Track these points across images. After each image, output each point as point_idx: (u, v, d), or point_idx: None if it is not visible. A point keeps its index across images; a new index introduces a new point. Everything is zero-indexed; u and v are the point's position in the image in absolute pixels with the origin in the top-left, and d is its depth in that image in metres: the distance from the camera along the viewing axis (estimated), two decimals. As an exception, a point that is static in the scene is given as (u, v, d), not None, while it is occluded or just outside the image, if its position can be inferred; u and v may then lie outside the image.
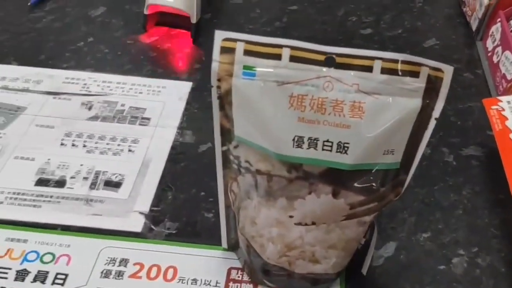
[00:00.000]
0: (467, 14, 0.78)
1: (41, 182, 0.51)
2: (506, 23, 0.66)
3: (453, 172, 0.54)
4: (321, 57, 0.36)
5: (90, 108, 0.59)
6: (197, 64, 0.68)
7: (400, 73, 0.35)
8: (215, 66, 0.36)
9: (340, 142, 0.36)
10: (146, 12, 0.71)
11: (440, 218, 0.50)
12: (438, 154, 0.56)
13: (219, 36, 0.36)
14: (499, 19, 0.68)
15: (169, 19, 0.73)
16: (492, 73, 0.67)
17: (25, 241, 0.46)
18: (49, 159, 0.53)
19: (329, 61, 0.35)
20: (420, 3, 0.83)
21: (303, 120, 0.36)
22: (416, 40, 0.74)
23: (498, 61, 0.65)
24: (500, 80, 0.63)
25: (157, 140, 0.56)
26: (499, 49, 0.66)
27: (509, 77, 0.61)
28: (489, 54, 0.69)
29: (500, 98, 0.53)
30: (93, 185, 0.51)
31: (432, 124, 0.37)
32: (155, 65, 0.67)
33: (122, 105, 0.60)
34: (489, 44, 0.69)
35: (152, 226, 0.48)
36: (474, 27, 0.74)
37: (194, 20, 0.70)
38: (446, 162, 0.55)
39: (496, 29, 0.68)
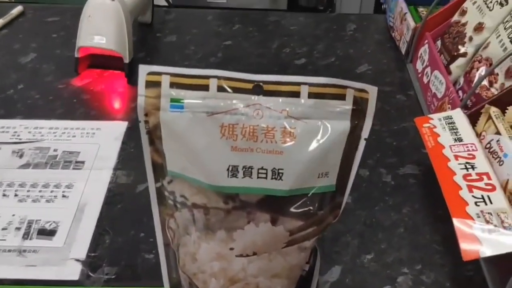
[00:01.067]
0: (396, 38, 0.80)
1: (-30, 236, 0.48)
2: (433, 44, 0.68)
3: (392, 191, 0.55)
4: (249, 86, 0.35)
5: (21, 156, 0.57)
6: (132, 103, 0.67)
7: (326, 96, 0.35)
8: (141, 100, 0.36)
9: (274, 168, 0.35)
10: (77, 55, 0.70)
11: (383, 238, 0.50)
12: (377, 175, 0.57)
13: (144, 70, 0.36)
14: (426, 41, 0.70)
15: (102, 61, 0.72)
16: (424, 93, 0.68)
17: (-47, 300, 0.43)
18: (-22, 212, 0.51)
19: (257, 89, 0.35)
20: (351, 31, 0.85)
21: (236, 149, 0.35)
22: (349, 67, 0.76)
23: (428, 81, 0.67)
24: (431, 99, 0.65)
25: (93, 183, 0.54)
26: (428, 69, 0.68)
27: (439, 96, 0.62)
28: (420, 75, 0.71)
29: (431, 116, 0.54)
30: (26, 235, 0.49)
31: (362, 144, 0.37)
32: (89, 108, 0.66)
33: (55, 150, 0.58)
34: (419, 66, 0.71)
35: (90, 273, 0.46)
36: (403, 50, 0.77)
37: (127, 60, 0.69)
38: (385, 182, 0.56)
39: (424, 51, 0.70)
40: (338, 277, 0.46)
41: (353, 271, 0.47)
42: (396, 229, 0.51)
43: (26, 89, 0.69)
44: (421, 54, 0.72)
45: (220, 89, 0.35)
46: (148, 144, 0.37)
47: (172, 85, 0.36)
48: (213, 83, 0.36)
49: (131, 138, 0.61)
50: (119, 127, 0.62)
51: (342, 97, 0.36)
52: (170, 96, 0.36)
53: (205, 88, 0.35)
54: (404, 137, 0.62)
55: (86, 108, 0.65)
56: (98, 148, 0.59)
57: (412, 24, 0.74)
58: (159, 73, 0.36)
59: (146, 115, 0.36)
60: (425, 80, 0.68)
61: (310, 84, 0.36)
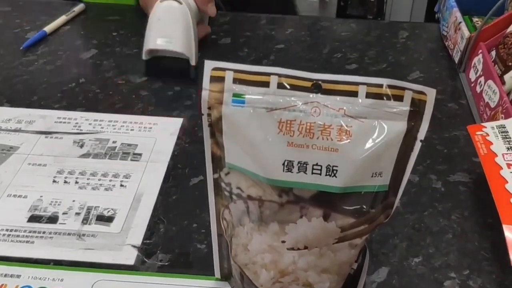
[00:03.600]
0: (449, 47, 0.80)
1: (33, 219, 0.51)
2: (488, 54, 0.68)
3: (442, 198, 0.55)
4: (308, 84, 0.37)
5: (81, 146, 0.60)
6: (187, 100, 0.69)
7: (384, 97, 0.36)
8: (205, 94, 0.37)
9: (329, 165, 0.37)
10: (145, 57, 0.72)
11: (431, 243, 0.50)
12: (426, 181, 0.57)
13: (209, 66, 0.37)
14: (480, 51, 0.70)
15: (167, 63, 0.73)
16: (476, 103, 0.68)
17: (18, 276, 0.46)
18: (41, 196, 0.53)
19: (316, 88, 0.37)
20: (403, 38, 0.85)
21: (292, 144, 0.37)
22: (401, 74, 0.76)
23: (481, 91, 0.66)
24: (484, 108, 0.65)
25: (149, 175, 0.56)
26: (482, 79, 0.67)
27: (492, 105, 0.62)
28: (472, 85, 0.71)
29: (484, 124, 0.54)
30: (85, 220, 0.51)
31: (417, 146, 0.38)
32: (147, 103, 0.68)
33: (114, 142, 0.60)
34: (472, 75, 0.71)
35: (145, 259, 0.48)
36: (456, 60, 0.77)
37: (193, 62, 0.71)
38: (435, 188, 0.56)
39: (478, 61, 0.70)
40: (385, 277, 0.47)
41: (400, 273, 0.47)
42: (445, 235, 0.51)
43: (87, 83, 0.72)
44: (474, 63, 0.71)
45: (280, 86, 0.37)
46: (209, 137, 0.39)
47: (235, 80, 0.37)
48: (273, 80, 0.37)
49: (186, 134, 0.63)
50: (175, 123, 0.64)
51: (400, 98, 0.36)
52: (232, 91, 0.37)
53: (266, 84, 0.37)
54: (454, 145, 0.62)
55: (144, 103, 0.68)
56: (154, 142, 0.61)
57: (466, 33, 0.74)
58: (223, 69, 0.37)
59: (209, 108, 0.38)
60: (478, 89, 0.68)
61: (369, 84, 0.36)
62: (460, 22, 0.77)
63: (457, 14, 0.78)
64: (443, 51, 0.82)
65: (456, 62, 0.77)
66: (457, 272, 0.48)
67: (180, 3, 0.70)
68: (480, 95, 0.67)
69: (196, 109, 0.67)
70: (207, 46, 0.81)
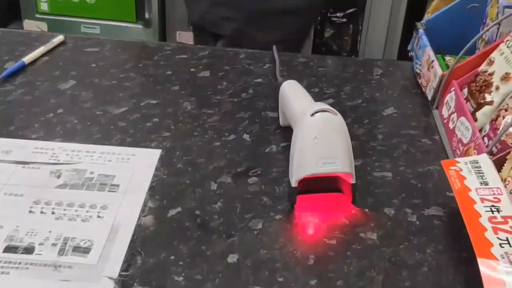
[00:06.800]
0: (422, 84, 0.82)
1: (9, 249, 0.50)
2: (460, 92, 0.70)
3: (417, 231, 0.56)
4: None
5: (59, 177, 0.60)
6: (166, 132, 0.69)
7: None
8: None
9: None
10: (295, 184, 0.58)
11: (407, 276, 0.51)
12: (402, 214, 0.58)
13: None
14: (453, 88, 0.72)
15: (314, 184, 0.59)
16: (449, 138, 0.70)
17: (-9, 308, 0.45)
18: (17, 227, 0.53)
19: None
20: (377, 75, 0.87)
21: None
22: (375, 109, 0.78)
23: (454, 127, 0.68)
24: (457, 144, 0.66)
25: (126, 206, 0.56)
26: (454, 115, 0.69)
27: (465, 141, 0.64)
28: (445, 121, 0.73)
29: (457, 159, 0.56)
30: (61, 251, 0.50)
31: None
32: (125, 134, 0.68)
33: (91, 172, 0.60)
34: (445, 112, 0.73)
35: (122, 291, 0.47)
36: (429, 97, 0.79)
37: (354, 180, 0.58)
38: (410, 222, 0.57)
39: (450, 98, 0.72)
40: (362, 311, 0.47)
41: (377, 306, 0.48)
42: (420, 268, 0.52)
43: (65, 114, 0.72)
44: (447, 100, 0.73)
45: None
46: None
47: None
48: None
49: (164, 165, 0.63)
50: (153, 154, 0.64)
51: None
52: None
53: None
54: (429, 180, 0.63)
55: (122, 134, 0.68)
56: (132, 173, 0.61)
57: (439, 71, 0.76)
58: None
59: None
60: (450, 125, 0.70)
61: None
62: (433, 61, 0.79)
63: (430, 52, 0.81)
64: (416, 88, 0.84)
65: (430, 99, 0.79)
66: (433, 306, 0.48)
67: (336, 113, 0.58)
68: (453, 131, 0.69)
69: (174, 140, 0.67)
70: (187, 79, 0.81)
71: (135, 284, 0.48)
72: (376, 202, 0.60)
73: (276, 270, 0.51)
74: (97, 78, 0.81)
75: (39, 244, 0.51)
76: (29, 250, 0.50)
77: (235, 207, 0.58)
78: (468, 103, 0.68)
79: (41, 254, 0.50)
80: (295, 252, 0.53)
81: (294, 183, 0.57)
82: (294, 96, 0.68)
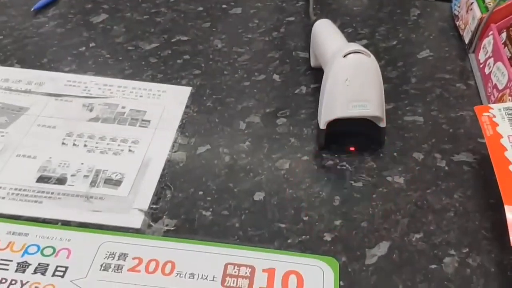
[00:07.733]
0: (460, 27, 0.80)
1: (42, 179, 0.52)
2: (498, 36, 0.68)
3: (445, 176, 0.56)
4: None
5: (91, 110, 0.61)
6: (196, 70, 0.69)
7: None
8: None
9: None
10: (323, 126, 0.57)
11: (432, 220, 0.51)
12: (431, 159, 0.58)
13: None
14: (491, 32, 0.70)
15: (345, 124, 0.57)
16: (484, 84, 0.68)
17: (26, 234, 0.47)
18: (50, 158, 0.54)
19: None
20: (414, 16, 0.85)
21: None
22: (410, 51, 0.76)
23: (490, 72, 0.67)
24: (491, 90, 0.65)
25: (157, 141, 0.57)
26: (491, 60, 0.67)
27: (500, 87, 0.62)
28: (481, 66, 0.71)
29: (491, 105, 0.55)
30: (93, 183, 0.52)
31: None
32: (156, 71, 0.68)
33: (123, 107, 0.61)
34: (481, 56, 0.71)
35: (151, 223, 0.49)
36: (466, 40, 0.76)
37: (384, 123, 0.57)
38: (439, 167, 0.57)
39: (488, 42, 0.70)
40: (386, 252, 0.48)
41: (400, 248, 0.48)
42: (446, 213, 0.52)
43: (97, 48, 0.72)
44: (484, 45, 0.71)
45: None
46: None
47: None
48: None
49: (194, 103, 0.63)
50: (184, 92, 0.64)
51: None
52: None
53: None
54: (460, 125, 0.63)
55: (153, 70, 0.68)
56: (163, 109, 0.61)
57: (478, 14, 0.73)
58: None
59: None
60: (486, 71, 0.68)
61: None
62: (472, 3, 0.76)
63: (470, -6, 0.78)
64: (453, 30, 0.81)
65: (466, 42, 0.76)
66: (457, 249, 0.48)
67: (369, 55, 0.56)
68: (488, 76, 0.67)
69: (204, 78, 0.67)
70: (217, 15, 0.80)
71: (164, 216, 0.49)
72: (405, 146, 0.59)
73: (301, 209, 0.51)
74: (128, 12, 0.80)
75: (71, 176, 0.52)
76: (61, 181, 0.52)
77: (262, 147, 0.58)
78: (506, 48, 0.66)
79: (73, 185, 0.52)
80: (320, 192, 0.53)
81: (322, 125, 0.57)
82: (326, 36, 0.66)
